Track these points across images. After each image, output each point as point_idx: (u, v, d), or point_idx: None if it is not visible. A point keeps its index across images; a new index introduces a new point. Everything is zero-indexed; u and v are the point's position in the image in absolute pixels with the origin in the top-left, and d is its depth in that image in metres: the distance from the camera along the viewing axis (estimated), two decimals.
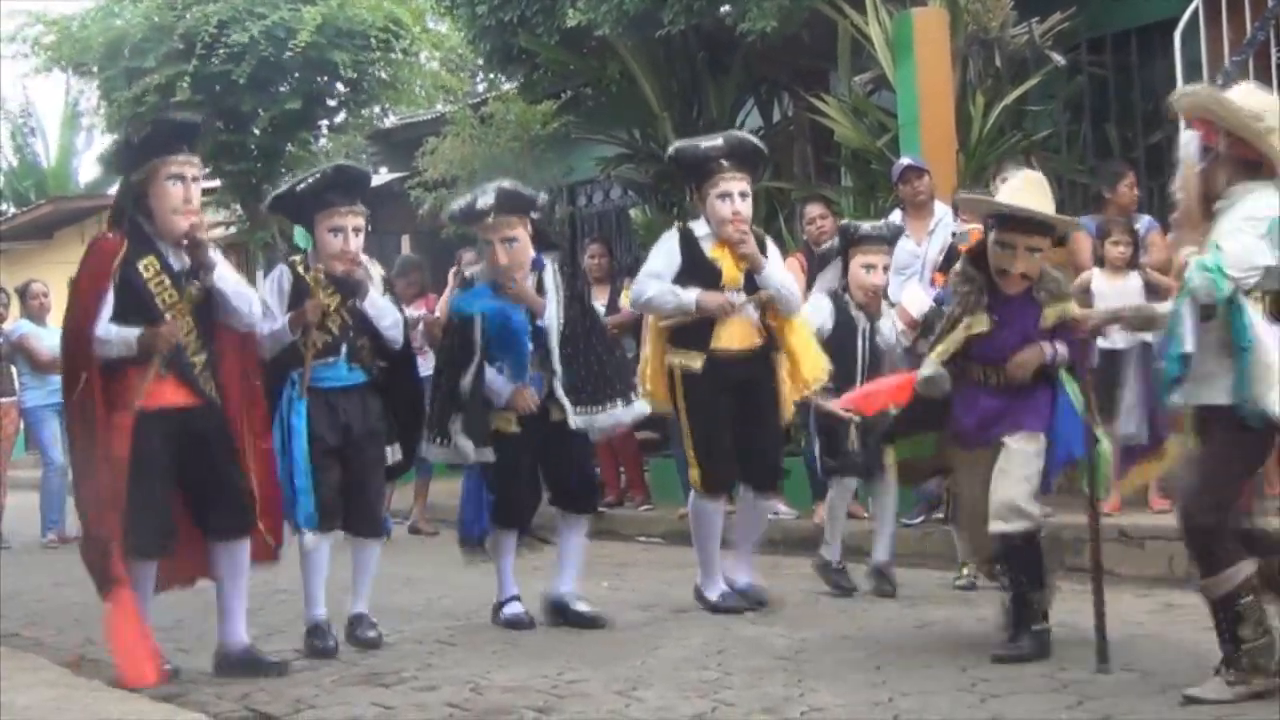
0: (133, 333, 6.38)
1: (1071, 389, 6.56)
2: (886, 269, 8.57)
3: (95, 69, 19.40)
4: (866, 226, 8.66)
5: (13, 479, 14.26)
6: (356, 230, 7.21)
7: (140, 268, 6.51)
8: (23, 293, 14.08)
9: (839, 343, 8.34)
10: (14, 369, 13.51)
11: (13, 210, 29.14)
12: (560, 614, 7.78)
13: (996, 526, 6.49)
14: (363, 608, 7.42)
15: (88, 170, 31.73)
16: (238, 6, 18.13)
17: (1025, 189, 6.92)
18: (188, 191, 6.57)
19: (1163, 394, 5.62)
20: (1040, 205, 6.68)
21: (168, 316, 6.46)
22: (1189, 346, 5.40)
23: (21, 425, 13.87)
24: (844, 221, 9.06)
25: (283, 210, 7.92)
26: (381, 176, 18.09)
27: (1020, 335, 6.59)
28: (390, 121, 20.23)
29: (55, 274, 22.33)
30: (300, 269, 7.27)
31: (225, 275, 6.64)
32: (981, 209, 6.99)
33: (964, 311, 6.63)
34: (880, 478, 8.40)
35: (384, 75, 19.73)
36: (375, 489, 7.45)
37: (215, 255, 6.69)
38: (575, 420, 7.58)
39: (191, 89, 17.39)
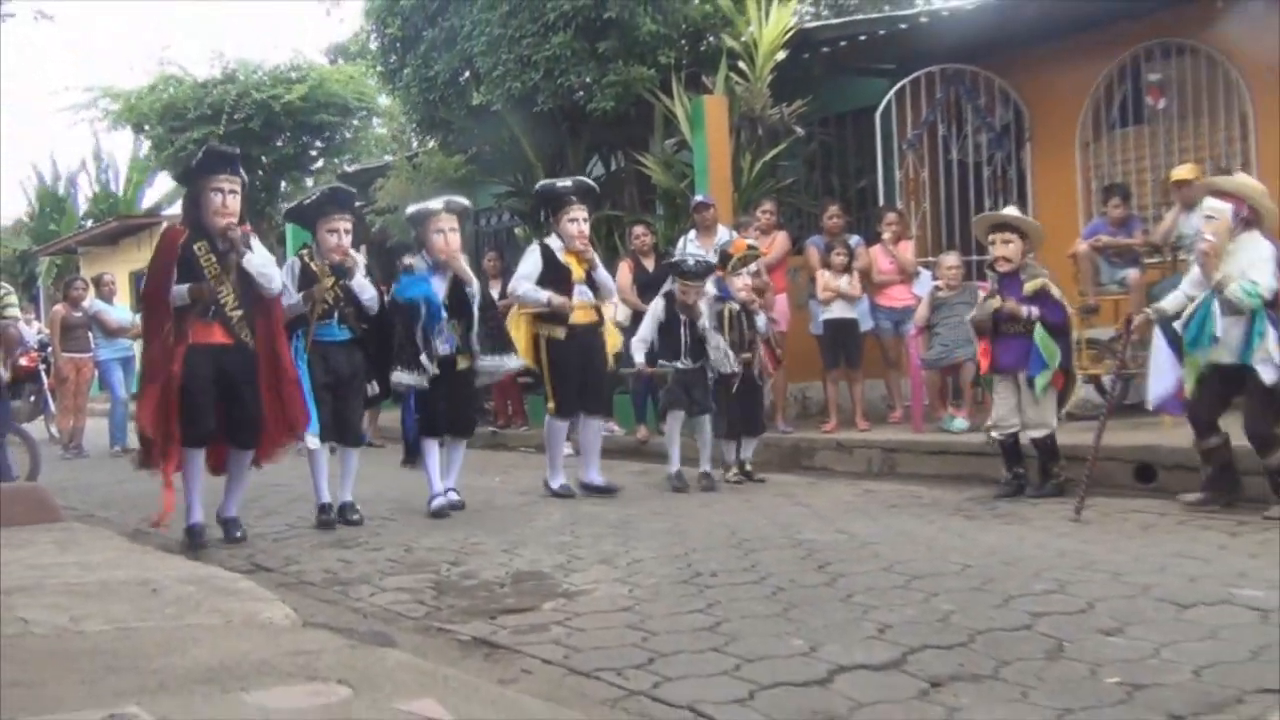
0: (184, 288, 6.37)
1: (1041, 337, 7.09)
2: (699, 294, 8.37)
3: (148, 128, 19.03)
4: (690, 264, 8.42)
5: (90, 409, 14.00)
6: (346, 231, 7.13)
7: (195, 249, 6.44)
8: (97, 281, 14.02)
9: (668, 329, 8.34)
10: (91, 334, 13.42)
11: (90, 223, 28.62)
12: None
13: (1030, 434, 7.30)
14: (348, 496, 7.27)
15: (148, 199, 30.97)
16: (248, 85, 17.90)
17: (1004, 210, 7.82)
18: (225, 200, 6.46)
19: (1190, 348, 6.44)
20: (1010, 218, 7.50)
21: (211, 283, 6.42)
22: (1219, 331, 6.26)
23: (95, 373, 13.68)
24: (674, 259, 8.83)
25: (294, 218, 7.83)
26: None
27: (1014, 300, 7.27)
28: (352, 167, 19.91)
29: (120, 268, 21.91)
30: (307, 259, 7.16)
31: (252, 260, 6.51)
32: (985, 223, 7.60)
33: (988, 295, 7.36)
34: (696, 415, 8.36)
35: (348, 135, 19.57)
36: (356, 413, 7.29)
37: (255, 244, 6.60)
38: (483, 362, 7.52)
39: (219, 142, 17.08)
